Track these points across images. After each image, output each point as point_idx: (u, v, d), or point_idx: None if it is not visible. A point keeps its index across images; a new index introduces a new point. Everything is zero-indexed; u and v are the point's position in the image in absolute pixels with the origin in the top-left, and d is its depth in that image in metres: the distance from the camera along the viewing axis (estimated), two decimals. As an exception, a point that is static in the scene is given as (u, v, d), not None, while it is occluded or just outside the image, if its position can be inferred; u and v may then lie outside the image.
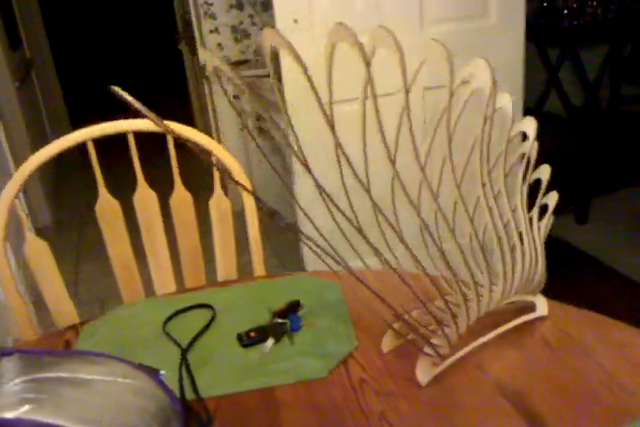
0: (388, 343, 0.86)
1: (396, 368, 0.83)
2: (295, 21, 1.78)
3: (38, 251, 1.19)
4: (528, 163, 0.77)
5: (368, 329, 0.92)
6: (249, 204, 1.24)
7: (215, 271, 1.32)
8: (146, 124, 1.15)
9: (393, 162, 0.68)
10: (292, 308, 0.96)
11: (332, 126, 0.66)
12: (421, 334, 0.78)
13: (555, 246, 2.54)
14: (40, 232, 3.12)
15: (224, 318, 0.98)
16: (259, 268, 1.29)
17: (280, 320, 0.93)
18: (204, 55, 2.91)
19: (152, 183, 1.25)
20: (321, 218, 0.85)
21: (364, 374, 0.83)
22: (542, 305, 0.90)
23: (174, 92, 5.46)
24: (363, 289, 0.91)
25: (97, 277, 2.79)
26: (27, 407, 0.62)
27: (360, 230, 0.72)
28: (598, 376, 0.79)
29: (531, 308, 0.90)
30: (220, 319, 0.98)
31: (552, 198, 0.82)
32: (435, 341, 0.79)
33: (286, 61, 1.83)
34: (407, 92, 0.65)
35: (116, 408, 0.69)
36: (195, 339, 0.92)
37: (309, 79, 0.63)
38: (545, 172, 0.80)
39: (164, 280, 1.33)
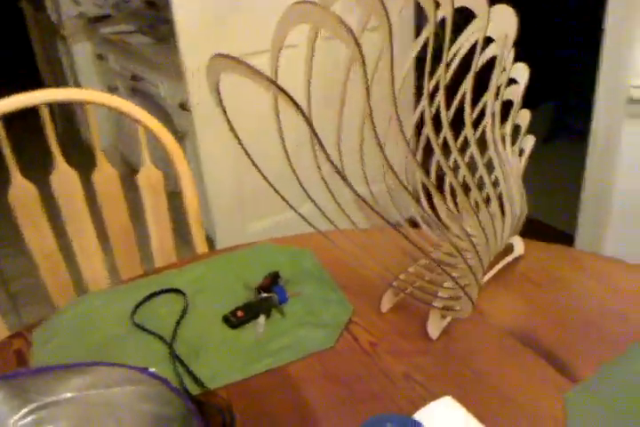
0: (386, 302, 0.85)
1: (401, 326, 0.82)
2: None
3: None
4: (512, 107, 0.77)
5: (356, 291, 0.90)
6: (187, 174, 1.15)
7: (151, 256, 1.22)
8: (62, 94, 1.01)
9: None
10: (274, 280, 0.91)
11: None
12: (442, 285, 0.77)
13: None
14: None
15: (199, 300, 0.91)
16: (201, 244, 1.21)
17: (265, 295, 0.88)
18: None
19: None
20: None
21: (371, 337, 0.81)
22: (519, 244, 0.92)
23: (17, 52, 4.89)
24: (336, 252, 0.89)
25: (16, 274, 2.43)
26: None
27: (342, 176, 0.68)
28: (590, 306, 0.83)
29: (510, 249, 0.93)
30: (195, 303, 0.91)
31: (528, 142, 0.83)
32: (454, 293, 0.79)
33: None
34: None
35: (134, 421, 0.63)
36: (176, 329, 0.85)
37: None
38: (524, 117, 0.80)
39: (94, 269, 1.21)
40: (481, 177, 0.76)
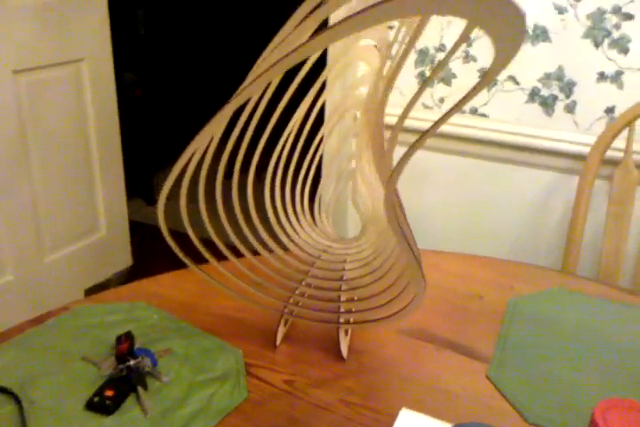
0: (280, 333, 0.76)
1: (304, 355, 0.75)
2: None
3: None
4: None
5: (227, 333, 0.78)
6: None
7: None
8: None
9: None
10: (131, 342, 0.73)
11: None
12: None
13: (143, 230, 2.56)
14: None
15: (36, 395, 0.68)
16: None
17: (132, 361, 0.70)
18: None
19: None
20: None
21: (281, 375, 0.72)
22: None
23: None
24: (174, 298, 0.77)
25: None
26: None
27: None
28: (451, 293, 0.89)
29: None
30: (34, 400, 0.67)
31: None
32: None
33: None
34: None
35: None
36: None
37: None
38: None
39: None
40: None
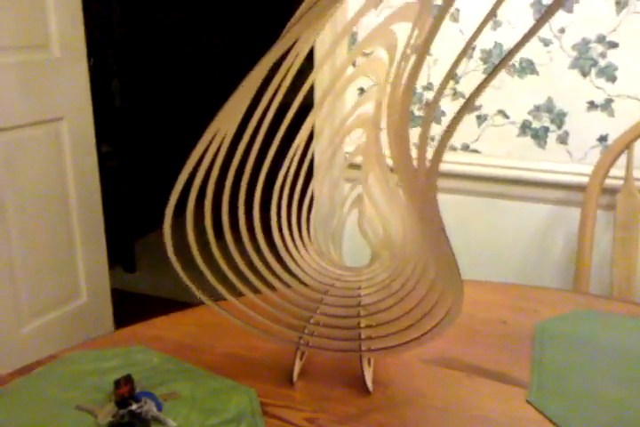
0: (297, 368, 0.69)
1: (323, 390, 0.68)
2: None
3: None
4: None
5: (236, 373, 0.71)
6: None
7: None
8: None
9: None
10: (131, 386, 0.66)
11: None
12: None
13: (125, 298, 2.46)
14: None
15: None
16: None
17: (135, 406, 0.63)
18: None
19: None
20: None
21: (302, 413, 0.64)
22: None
23: None
24: (172, 340, 0.71)
25: None
26: None
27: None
28: (471, 318, 0.83)
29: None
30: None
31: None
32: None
33: None
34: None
35: None
36: None
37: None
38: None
39: None
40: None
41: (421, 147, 0.50)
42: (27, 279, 1.76)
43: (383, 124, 0.67)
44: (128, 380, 0.66)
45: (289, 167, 0.76)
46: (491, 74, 0.39)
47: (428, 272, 0.63)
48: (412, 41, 0.57)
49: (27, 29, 1.56)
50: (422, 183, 0.51)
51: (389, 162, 0.68)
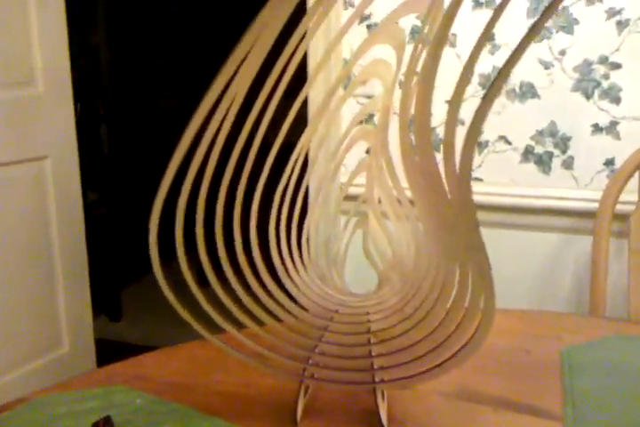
0: (300, 407, 0.61)
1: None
2: None
3: None
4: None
5: (232, 413, 0.63)
6: None
7: None
8: None
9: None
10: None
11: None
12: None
13: (109, 347, 2.35)
14: None
15: None
16: None
17: (114, 451, 0.54)
18: None
19: None
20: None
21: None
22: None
23: None
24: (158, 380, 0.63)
25: None
26: None
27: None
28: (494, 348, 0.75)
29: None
30: None
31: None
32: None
33: None
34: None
35: None
36: None
37: None
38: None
39: None
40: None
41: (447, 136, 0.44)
42: (5, 327, 1.66)
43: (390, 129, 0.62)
44: (107, 422, 0.58)
45: (287, 185, 0.70)
46: (487, 94, 0.34)
47: (447, 290, 0.56)
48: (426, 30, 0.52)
49: (10, 65, 1.52)
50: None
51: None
